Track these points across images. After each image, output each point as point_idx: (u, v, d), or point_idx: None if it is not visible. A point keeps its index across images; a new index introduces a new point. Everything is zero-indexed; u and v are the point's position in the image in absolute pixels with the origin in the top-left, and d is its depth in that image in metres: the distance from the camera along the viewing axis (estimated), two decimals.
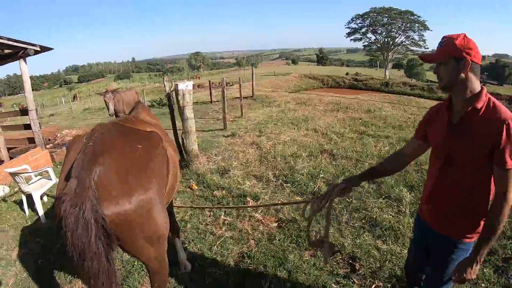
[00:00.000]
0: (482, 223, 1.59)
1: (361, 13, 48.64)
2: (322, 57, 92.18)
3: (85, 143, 1.64)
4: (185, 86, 5.09)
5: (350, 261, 2.95)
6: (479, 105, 1.52)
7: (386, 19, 46.30)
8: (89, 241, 1.40)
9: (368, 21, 48.37)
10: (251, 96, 14.45)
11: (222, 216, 3.78)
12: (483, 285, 2.57)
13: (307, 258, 3.02)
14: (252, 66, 16.82)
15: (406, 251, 2.96)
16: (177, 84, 5.08)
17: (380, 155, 5.35)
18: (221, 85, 8.54)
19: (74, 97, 42.23)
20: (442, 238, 1.71)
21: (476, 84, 1.55)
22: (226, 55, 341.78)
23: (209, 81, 16.24)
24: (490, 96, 1.54)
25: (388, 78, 39.47)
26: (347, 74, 37.19)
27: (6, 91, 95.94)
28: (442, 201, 1.70)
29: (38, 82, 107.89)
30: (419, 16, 44.79)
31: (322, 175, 4.60)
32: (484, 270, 2.69)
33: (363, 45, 53.05)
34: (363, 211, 3.69)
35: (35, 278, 3.15)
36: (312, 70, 47.53)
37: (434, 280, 1.81)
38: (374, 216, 3.56)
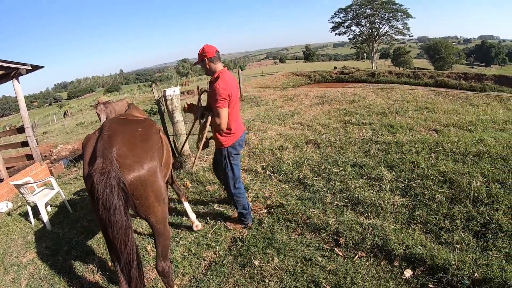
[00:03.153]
0: (220, 139, 3.12)
1: (343, 7, 49.11)
2: (309, 54, 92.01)
3: (100, 134, 2.17)
4: (172, 91, 5.31)
5: (334, 237, 3.16)
6: (212, 79, 3.00)
7: (369, 11, 46.78)
8: (113, 199, 1.91)
9: (351, 14, 48.84)
10: (239, 98, 14.56)
11: (215, 207, 4.03)
12: (458, 246, 2.77)
13: (294, 237, 3.25)
14: (239, 68, 17.02)
15: (386, 224, 3.19)
16: (165, 91, 5.31)
17: (363, 140, 5.54)
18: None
19: (65, 114, 42.32)
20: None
21: (216, 67, 3.00)
22: None
23: (197, 86, 16.36)
24: (222, 74, 2.95)
25: (375, 68, 39.79)
26: (335, 68, 37.46)
27: None
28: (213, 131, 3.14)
29: (28, 102, 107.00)
30: (401, 5, 45.33)
31: (307, 163, 4.82)
32: (463, 235, 2.88)
33: (349, 38, 53.55)
34: (346, 192, 3.87)
35: (46, 278, 3.38)
36: (300, 67, 47.06)
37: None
38: (356, 195, 3.72)
